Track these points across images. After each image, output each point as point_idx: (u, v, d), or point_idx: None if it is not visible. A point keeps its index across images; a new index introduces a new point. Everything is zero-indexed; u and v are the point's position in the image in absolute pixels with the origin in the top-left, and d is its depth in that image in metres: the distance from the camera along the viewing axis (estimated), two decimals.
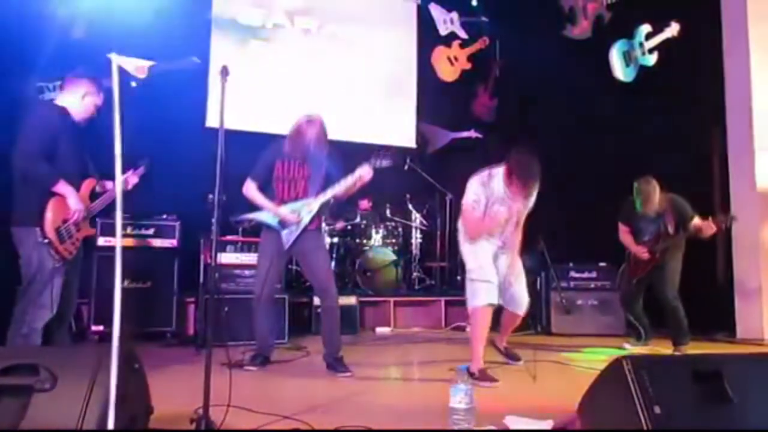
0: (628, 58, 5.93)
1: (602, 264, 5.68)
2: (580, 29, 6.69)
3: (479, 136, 7.32)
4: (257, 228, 4.00)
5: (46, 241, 2.95)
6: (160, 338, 4.63)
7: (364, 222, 6.32)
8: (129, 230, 4.66)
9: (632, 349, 4.74)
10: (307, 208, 3.67)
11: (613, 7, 6.42)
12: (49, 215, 2.98)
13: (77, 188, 3.12)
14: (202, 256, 4.57)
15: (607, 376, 1.99)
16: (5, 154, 2.99)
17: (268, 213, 3.72)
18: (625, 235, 4.77)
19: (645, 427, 1.70)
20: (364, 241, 6.26)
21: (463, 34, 7.57)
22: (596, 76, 6.15)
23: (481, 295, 3.45)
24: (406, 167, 6.68)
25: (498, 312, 3.71)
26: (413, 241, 6.67)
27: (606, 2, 6.48)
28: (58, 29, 5.01)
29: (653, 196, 4.43)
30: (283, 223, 3.69)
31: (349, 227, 6.29)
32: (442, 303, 6.07)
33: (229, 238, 5.13)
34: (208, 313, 2.79)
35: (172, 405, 2.42)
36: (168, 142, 5.18)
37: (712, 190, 5.65)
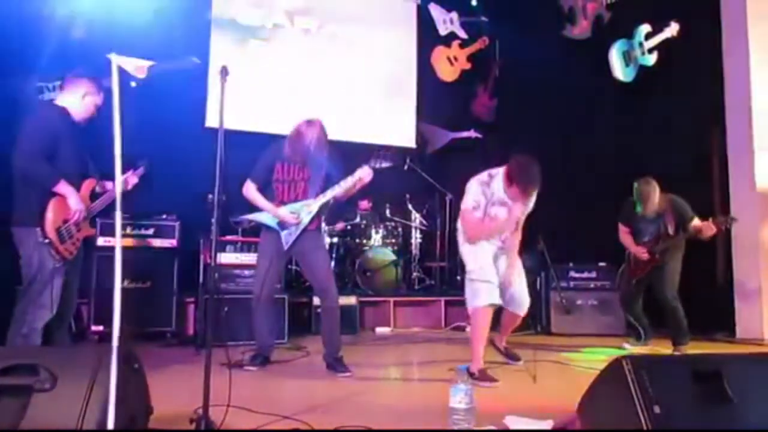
0: (627, 58, 5.93)
1: (602, 264, 5.68)
2: (580, 29, 6.68)
3: (479, 136, 7.31)
4: (257, 228, 4.00)
5: (47, 241, 2.95)
6: (159, 338, 4.63)
7: (364, 222, 6.31)
8: (129, 230, 4.66)
9: (632, 349, 4.74)
10: (306, 209, 3.68)
11: (613, 7, 6.42)
12: (50, 215, 2.98)
13: (77, 188, 3.12)
14: (201, 256, 4.57)
15: (606, 376, 1.99)
16: (5, 154, 2.99)
17: (267, 214, 3.72)
18: (624, 235, 4.77)
19: (645, 427, 1.70)
20: (364, 241, 6.25)
21: (462, 34, 7.56)
22: (596, 76, 6.15)
23: (482, 295, 3.45)
24: (405, 167, 6.70)
25: (498, 312, 3.71)
26: (413, 241, 6.66)
27: (606, 2, 6.47)
28: (58, 29, 5.02)
29: (653, 196, 4.43)
30: (282, 224, 3.70)
31: (348, 227, 6.28)
32: (442, 303, 6.06)
33: (228, 238, 5.14)
34: (208, 313, 2.78)
35: (172, 405, 2.43)
36: (168, 142, 5.20)
37: (711, 190, 5.64)
